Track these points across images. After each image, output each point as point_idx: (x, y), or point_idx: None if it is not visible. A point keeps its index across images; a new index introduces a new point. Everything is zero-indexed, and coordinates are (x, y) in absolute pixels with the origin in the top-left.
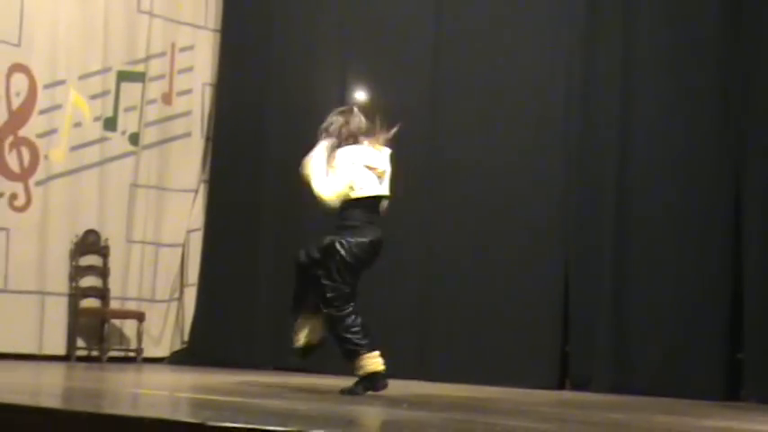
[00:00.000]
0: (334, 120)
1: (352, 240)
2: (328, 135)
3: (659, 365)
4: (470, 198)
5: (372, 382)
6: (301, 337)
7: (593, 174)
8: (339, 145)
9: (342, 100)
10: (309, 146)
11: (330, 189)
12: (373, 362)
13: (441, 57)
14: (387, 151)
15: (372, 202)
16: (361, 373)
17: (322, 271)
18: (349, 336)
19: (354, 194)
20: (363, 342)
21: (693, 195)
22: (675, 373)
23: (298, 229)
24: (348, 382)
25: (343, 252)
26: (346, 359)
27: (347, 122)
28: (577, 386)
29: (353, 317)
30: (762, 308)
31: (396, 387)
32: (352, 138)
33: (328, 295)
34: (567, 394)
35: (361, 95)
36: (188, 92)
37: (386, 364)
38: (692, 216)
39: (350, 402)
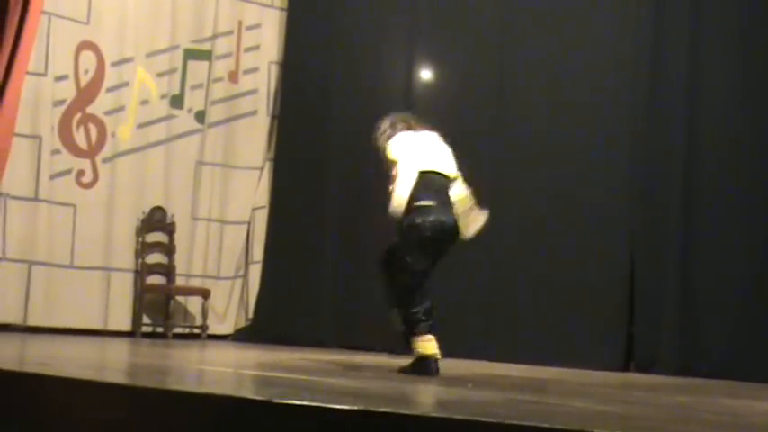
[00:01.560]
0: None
1: (418, 220)
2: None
3: (726, 348)
4: (536, 182)
5: (424, 365)
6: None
7: (660, 154)
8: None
9: (409, 79)
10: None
11: (400, 196)
12: (428, 345)
13: (508, 41)
14: (434, 134)
15: (435, 179)
16: (415, 354)
17: (397, 250)
18: (411, 315)
19: (414, 175)
20: (423, 324)
21: (760, 178)
22: (742, 357)
23: (362, 208)
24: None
25: (411, 230)
26: (403, 337)
27: (392, 125)
28: (642, 368)
29: (420, 297)
30: None
31: (461, 367)
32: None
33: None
34: (631, 376)
35: (427, 75)
36: (254, 70)
37: (449, 345)
38: (759, 199)
39: (414, 382)
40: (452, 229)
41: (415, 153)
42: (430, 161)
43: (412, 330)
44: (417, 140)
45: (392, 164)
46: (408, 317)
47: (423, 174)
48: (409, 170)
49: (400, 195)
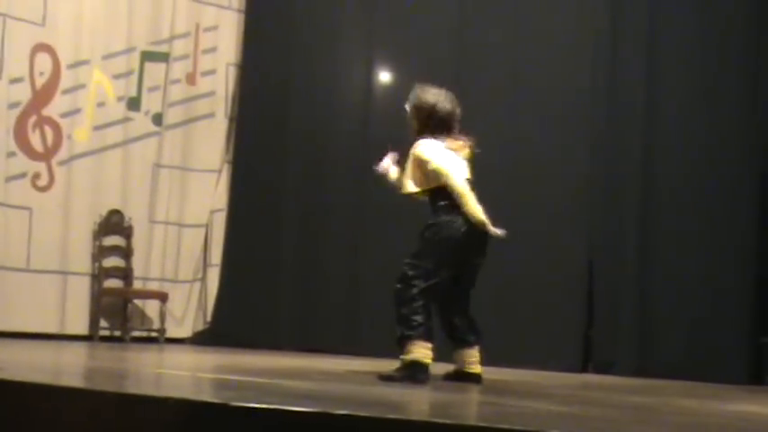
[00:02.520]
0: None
1: (440, 222)
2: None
3: (683, 350)
4: (493, 185)
5: (415, 371)
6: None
7: (618, 157)
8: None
9: (367, 80)
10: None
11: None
12: (423, 352)
13: (467, 42)
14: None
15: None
16: (407, 358)
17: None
18: (410, 316)
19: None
20: (421, 328)
21: (718, 180)
22: (699, 358)
23: (321, 210)
24: (374, 364)
25: (428, 232)
26: (399, 340)
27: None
28: (600, 370)
29: (421, 300)
30: None
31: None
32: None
33: (408, 272)
34: (590, 377)
35: (385, 75)
36: (212, 72)
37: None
38: (717, 200)
39: (374, 384)
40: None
41: (450, 160)
42: (462, 170)
43: (409, 335)
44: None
45: (423, 159)
46: (406, 317)
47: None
48: (461, 182)
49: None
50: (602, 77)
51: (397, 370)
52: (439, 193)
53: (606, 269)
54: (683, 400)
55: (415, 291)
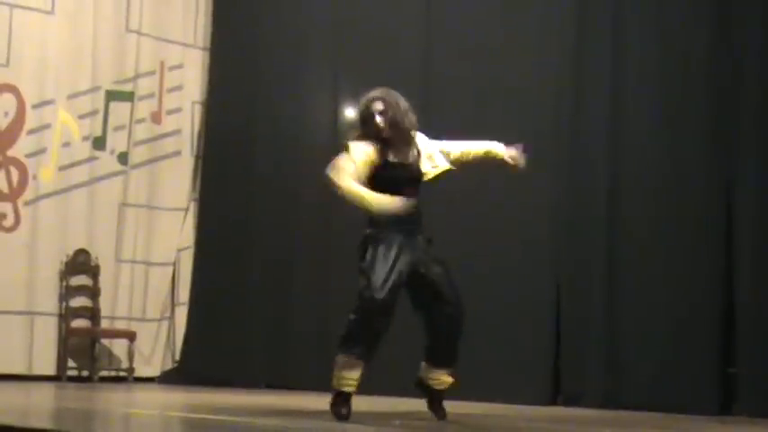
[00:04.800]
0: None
1: None
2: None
3: (651, 380)
4: (459, 214)
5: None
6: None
7: (583, 189)
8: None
9: (333, 116)
10: (297, 164)
11: None
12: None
13: (430, 70)
14: None
15: None
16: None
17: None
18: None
19: None
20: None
21: (684, 210)
22: (668, 388)
23: (288, 247)
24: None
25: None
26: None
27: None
28: (569, 402)
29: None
30: (753, 322)
31: (388, 404)
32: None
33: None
34: (559, 410)
35: (351, 113)
36: (177, 110)
37: (376, 382)
38: (683, 231)
39: (339, 419)
40: None
41: None
42: None
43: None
44: None
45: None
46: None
47: None
48: None
49: None
50: (567, 97)
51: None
52: None
53: (574, 300)
54: (653, 431)
55: None
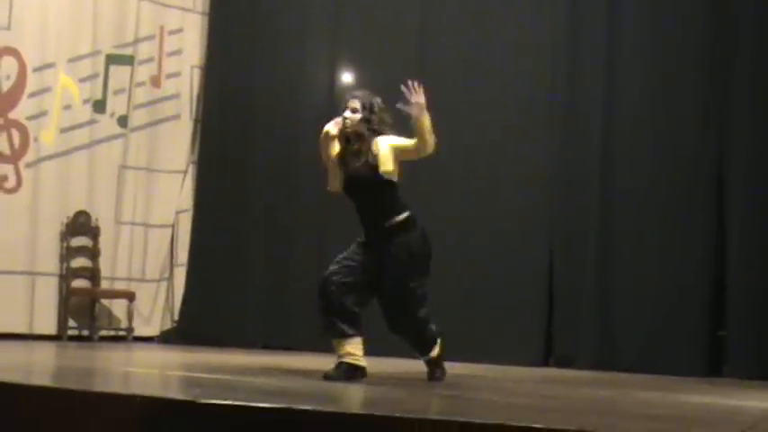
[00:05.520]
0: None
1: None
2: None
3: (642, 343)
4: (453, 181)
5: (353, 371)
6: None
7: (578, 158)
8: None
9: (331, 79)
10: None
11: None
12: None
13: (429, 42)
14: None
15: None
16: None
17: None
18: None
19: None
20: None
21: (677, 179)
22: (659, 351)
23: (286, 209)
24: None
25: (427, 243)
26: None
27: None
28: (561, 364)
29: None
30: (742, 287)
31: (382, 365)
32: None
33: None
34: (551, 371)
35: (349, 77)
36: (177, 74)
37: (375, 344)
38: (675, 200)
39: (337, 380)
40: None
41: None
42: None
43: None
44: None
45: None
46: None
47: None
48: None
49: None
50: (561, 79)
51: (337, 368)
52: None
53: (567, 264)
54: (643, 392)
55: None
